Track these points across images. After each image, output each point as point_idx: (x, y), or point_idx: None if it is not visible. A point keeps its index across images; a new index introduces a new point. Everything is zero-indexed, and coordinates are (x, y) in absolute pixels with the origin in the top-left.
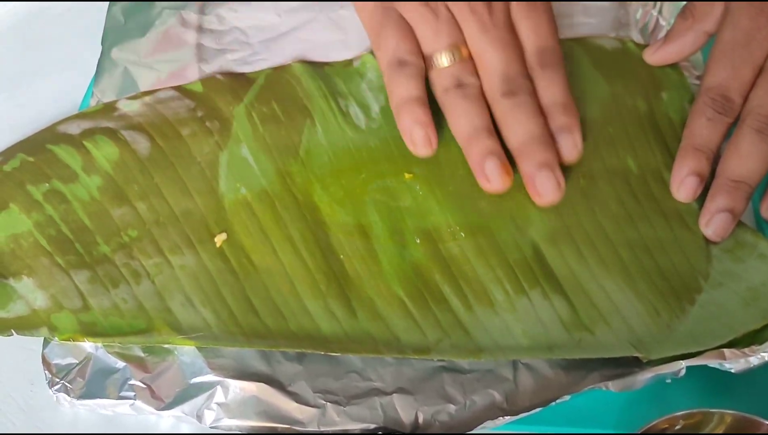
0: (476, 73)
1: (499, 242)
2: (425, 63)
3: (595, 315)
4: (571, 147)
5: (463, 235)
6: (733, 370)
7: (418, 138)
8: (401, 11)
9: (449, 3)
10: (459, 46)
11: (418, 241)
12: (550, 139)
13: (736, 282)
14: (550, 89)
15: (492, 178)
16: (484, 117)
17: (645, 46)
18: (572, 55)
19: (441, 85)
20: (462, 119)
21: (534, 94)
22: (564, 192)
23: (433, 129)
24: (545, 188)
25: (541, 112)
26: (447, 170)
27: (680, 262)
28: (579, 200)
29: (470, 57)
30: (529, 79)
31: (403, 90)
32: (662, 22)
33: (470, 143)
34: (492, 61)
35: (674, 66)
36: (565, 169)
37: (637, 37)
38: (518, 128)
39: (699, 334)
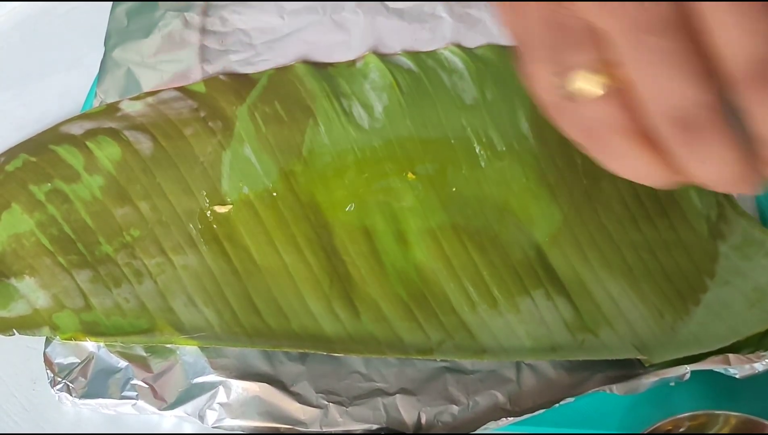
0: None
1: (502, 243)
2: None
3: (599, 317)
4: None
5: (466, 235)
6: (737, 376)
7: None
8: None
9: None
10: (602, 65)
11: (420, 241)
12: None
13: (743, 280)
14: None
15: None
16: (661, 170)
17: None
18: None
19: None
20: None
21: (727, 132)
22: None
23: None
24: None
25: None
26: (450, 170)
27: (684, 263)
28: (582, 201)
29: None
30: (720, 109)
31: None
32: None
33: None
34: (654, 88)
35: None
36: (568, 169)
37: None
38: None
39: (703, 336)
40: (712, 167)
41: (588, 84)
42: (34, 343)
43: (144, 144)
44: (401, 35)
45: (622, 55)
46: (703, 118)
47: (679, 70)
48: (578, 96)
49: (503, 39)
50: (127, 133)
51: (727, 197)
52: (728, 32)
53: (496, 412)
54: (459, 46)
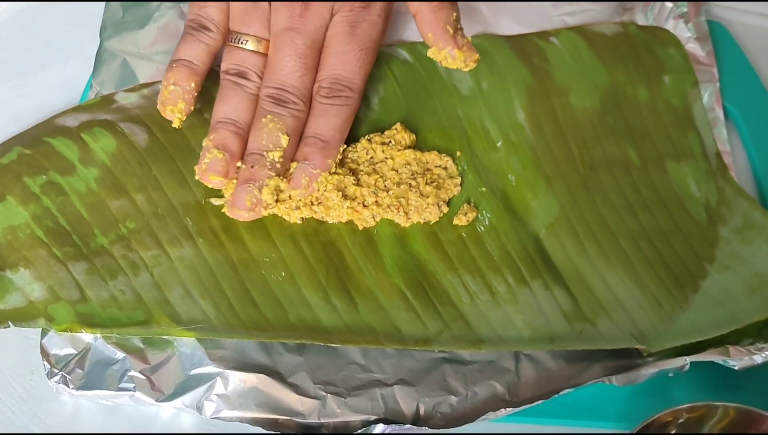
0: (263, 70)
1: (499, 233)
2: (225, 39)
3: (597, 306)
4: (299, 180)
5: (463, 226)
6: (737, 367)
7: (168, 98)
8: None
9: None
10: (262, 38)
11: (417, 232)
12: (279, 164)
13: (743, 266)
14: (321, 120)
15: (207, 168)
16: (244, 115)
17: (649, 27)
18: (572, 44)
19: (227, 65)
20: (224, 105)
21: (301, 117)
22: (257, 215)
23: (190, 99)
24: (237, 201)
25: (296, 137)
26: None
27: (683, 250)
28: (579, 190)
29: (266, 53)
30: (307, 102)
31: (185, 50)
32: (668, 4)
33: (214, 129)
34: (278, 63)
35: (678, 47)
36: (565, 159)
37: (642, 20)
38: (257, 137)
39: (701, 324)
40: (261, 134)
41: (249, 42)
42: (32, 333)
43: (139, 136)
44: (397, 26)
45: (275, 32)
46: (289, 97)
47: (297, 60)
48: (235, 44)
49: (500, 29)
50: (122, 124)
51: (728, 179)
52: (332, 55)
53: (495, 403)
54: None
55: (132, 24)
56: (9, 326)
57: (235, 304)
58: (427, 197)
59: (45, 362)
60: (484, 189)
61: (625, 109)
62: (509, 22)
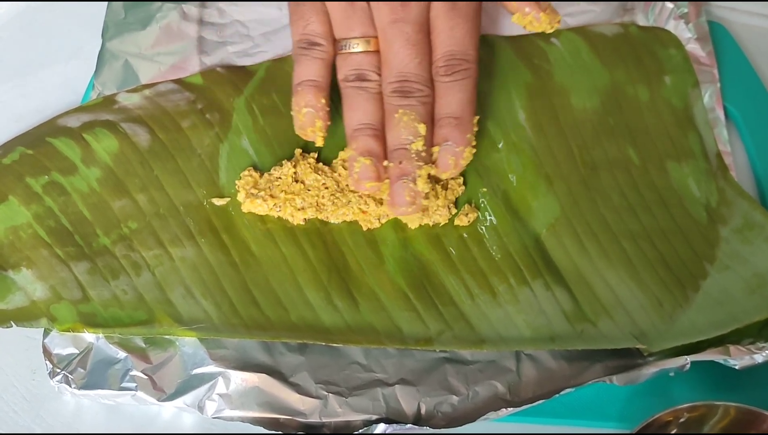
0: (380, 67)
1: (500, 233)
2: (335, 48)
3: (598, 306)
4: (447, 162)
5: (464, 226)
6: (737, 367)
7: (305, 121)
8: None
9: None
10: (370, 37)
11: (419, 233)
12: (424, 152)
13: (743, 266)
14: (448, 99)
15: (359, 176)
16: (375, 116)
17: (649, 28)
18: (572, 45)
19: (344, 72)
20: (354, 112)
21: (429, 102)
22: (419, 208)
23: (325, 115)
24: (396, 199)
25: (430, 122)
26: None
27: (684, 250)
28: (580, 191)
29: (378, 49)
30: (430, 85)
31: (304, 71)
32: (669, 5)
33: (353, 138)
34: (394, 56)
35: (679, 47)
36: (566, 160)
37: (642, 21)
38: (395, 133)
39: (702, 324)
40: (399, 129)
41: (359, 44)
42: (34, 333)
43: (141, 136)
44: None
45: (381, 29)
46: (413, 85)
47: (411, 48)
48: (348, 50)
49: (500, 29)
50: (124, 125)
51: (728, 179)
52: (440, 32)
53: (496, 403)
54: None
55: (134, 25)
56: (11, 326)
57: (237, 304)
58: (438, 199)
59: (47, 362)
60: (485, 189)
61: (626, 110)
62: (510, 23)
